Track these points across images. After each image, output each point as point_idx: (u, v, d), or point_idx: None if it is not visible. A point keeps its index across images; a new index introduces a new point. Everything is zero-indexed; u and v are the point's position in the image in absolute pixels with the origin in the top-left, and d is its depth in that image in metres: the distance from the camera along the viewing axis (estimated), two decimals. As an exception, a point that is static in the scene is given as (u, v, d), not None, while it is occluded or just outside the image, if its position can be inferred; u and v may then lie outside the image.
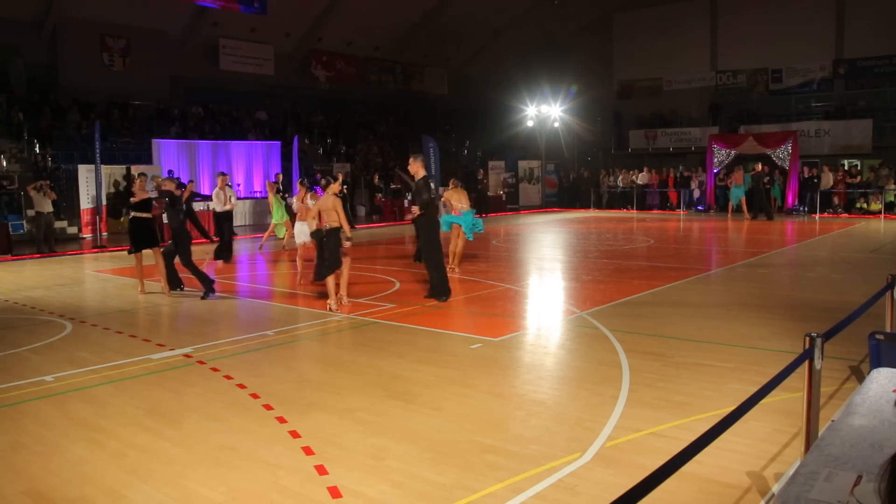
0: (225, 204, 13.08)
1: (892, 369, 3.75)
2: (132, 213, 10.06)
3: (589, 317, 7.73)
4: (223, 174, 13.53)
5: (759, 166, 23.32)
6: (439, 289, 8.69)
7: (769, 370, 5.10)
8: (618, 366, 5.76)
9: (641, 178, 27.81)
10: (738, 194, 22.16)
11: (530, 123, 29.43)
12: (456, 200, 11.34)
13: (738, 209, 22.29)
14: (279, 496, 3.58)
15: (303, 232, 10.63)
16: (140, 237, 9.92)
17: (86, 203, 18.69)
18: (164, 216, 10.05)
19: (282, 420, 4.64)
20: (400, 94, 32.46)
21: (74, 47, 22.77)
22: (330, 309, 8.27)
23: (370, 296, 9.29)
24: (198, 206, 19.57)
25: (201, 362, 6.15)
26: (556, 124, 29.72)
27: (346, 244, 8.38)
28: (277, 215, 15.27)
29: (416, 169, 8.81)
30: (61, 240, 17.32)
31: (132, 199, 10.08)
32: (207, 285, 9.44)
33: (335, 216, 8.32)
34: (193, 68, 25.78)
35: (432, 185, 10.07)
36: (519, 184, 29.99)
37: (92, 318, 8.21)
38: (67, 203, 18.88)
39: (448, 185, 12.13)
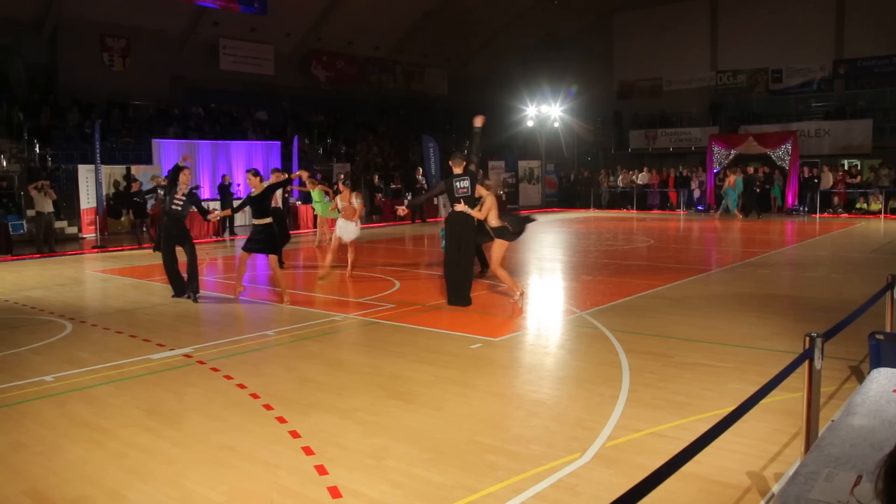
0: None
1: (892, 369, 3.75)
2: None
3: (589, 317, 7.73)
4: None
5: (752, 169, 23.87)
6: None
7: (769, 370, 5.10)
8: (618, 366, 5.76)
9: (641, 178, 27.82)
10: (733, 197, 22.68)
11: (530, 123, 29.43)
12: None
13: (727, 210, 22.94)
14: (279, 496, 3.58)
15: (348, 230, 10.83)
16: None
17: (86, 203, 18.70)
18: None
19: (282, 420, 4.64)
20: (400, 94, 32.45)
21: (74, 47, 22.77)
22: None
23: (370, 296, 9.29)
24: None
25: (201, 362, 6.15)
26: (556, 124, 29.72)
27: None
28: (323, 209, 15.25)
29: (457, 167, 8.77)
30: (61, 240, 17.32)
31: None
32: (194, 287, 9.34)
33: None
34: (193, 68, 25.77)
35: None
36: (519, 184, 30.00)
37: (92, 318, 8.22)
38: (67, 203, 18.89)
39: None
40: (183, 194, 9.35)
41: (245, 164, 23.38)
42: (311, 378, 5.65)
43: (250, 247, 9.16)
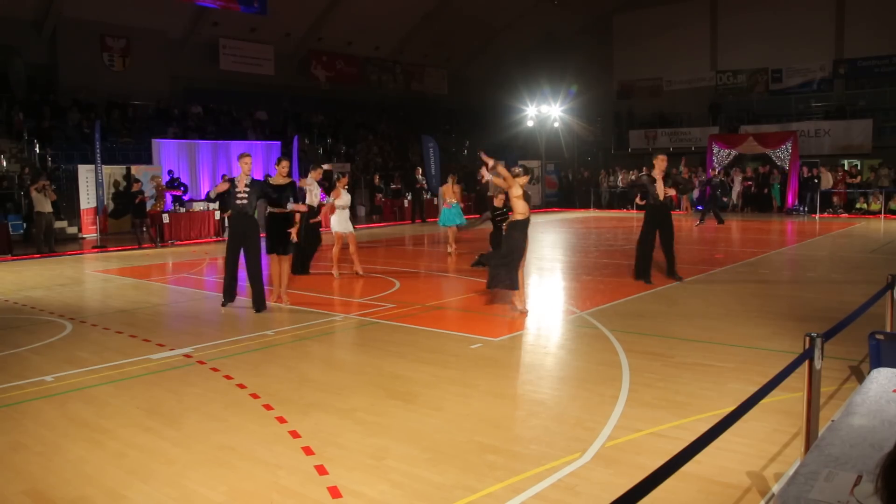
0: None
1: (892, 369, 3.75)
2: (268, 209, 8.74)
3: (589, 317, 7.72)
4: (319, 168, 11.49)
5: (715, 171, 24.27)
6: (641, 271, 9.84)
7: (769, 370, 5.10)
8: (618, 366, 5.76)
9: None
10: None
11: (530, 123, 29.44)
12: (449, 195, 13.36)
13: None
14: (279, 496, 3.58)
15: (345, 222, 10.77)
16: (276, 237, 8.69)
17: (86, 203, 18.69)
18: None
19: (282, 420, 4.65)
20: (400, 94, 32.46)
21: (74, 47, 22.77)
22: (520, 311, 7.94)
23: (370, 296, 9.29)
24: (199, 207, 19.65)
25: (201, 362, 6.15)
26: (556, 124, 29.72)
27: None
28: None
29: (661, 166, 9.87)
30: (61, 240, 17.32)
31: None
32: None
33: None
34: (193, 68, 25.78)
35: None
36: (519, 184, 29.95)
37: (92, 318, 8.21)
38: (67, 203, 18.88)
39: (447, 181, 13.78)
40: (245, 185, 8.18)
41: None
42: (311, 378, 5.65)
43: (273, 247, 8.71)
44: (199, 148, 22.54)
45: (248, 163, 8.28)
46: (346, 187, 11.05)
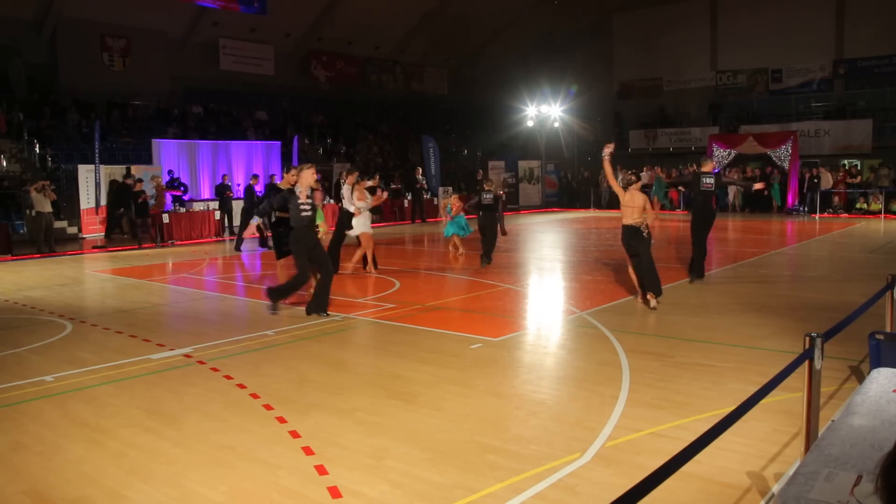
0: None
1: (892, 369, 3.76)
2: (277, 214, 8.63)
3: (589, 317, 7.72)
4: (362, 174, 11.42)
5: (659, 169, 25.25)
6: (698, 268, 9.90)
7: (769, 370, 5.10)
8: (618, 366, 5.76)
9: (641, 177, 27.85)
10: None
11: (530, 123, 29.44)
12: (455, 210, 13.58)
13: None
14: (279, 496, 3.58)
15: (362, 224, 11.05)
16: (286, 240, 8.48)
17: (86, 203, 18.68)
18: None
19: (282, 420, 4.65)
20: (400, 94, 32.46)
21: (74, 47, 22.77)
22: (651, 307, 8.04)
23: (370, 296, 9.29)
24: (199, 207, 19.64)
25: (201, 362, 6.15)
26: (556, 124, 29.72)
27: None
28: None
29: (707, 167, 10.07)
30: (61, 240, 17.32)
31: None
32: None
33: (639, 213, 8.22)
34: (193, 68, 25.78)
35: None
36: (519, 184, 30.00)
37: (92, 318, 8.21)
38: (67, 203, 18.87)
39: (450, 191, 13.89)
40: (308, 196, 7.94)
41: (245, 165, 23.37)
42: (311, 378, 5.65)
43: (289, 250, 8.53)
44: (199, 148, 22.53)
45: (313, 174, 8.03)
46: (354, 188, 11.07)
